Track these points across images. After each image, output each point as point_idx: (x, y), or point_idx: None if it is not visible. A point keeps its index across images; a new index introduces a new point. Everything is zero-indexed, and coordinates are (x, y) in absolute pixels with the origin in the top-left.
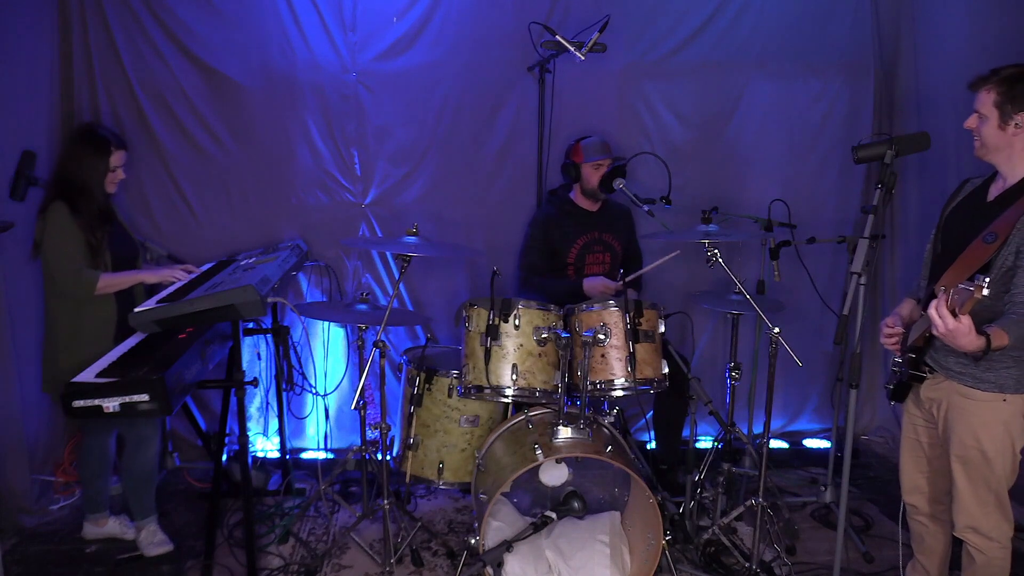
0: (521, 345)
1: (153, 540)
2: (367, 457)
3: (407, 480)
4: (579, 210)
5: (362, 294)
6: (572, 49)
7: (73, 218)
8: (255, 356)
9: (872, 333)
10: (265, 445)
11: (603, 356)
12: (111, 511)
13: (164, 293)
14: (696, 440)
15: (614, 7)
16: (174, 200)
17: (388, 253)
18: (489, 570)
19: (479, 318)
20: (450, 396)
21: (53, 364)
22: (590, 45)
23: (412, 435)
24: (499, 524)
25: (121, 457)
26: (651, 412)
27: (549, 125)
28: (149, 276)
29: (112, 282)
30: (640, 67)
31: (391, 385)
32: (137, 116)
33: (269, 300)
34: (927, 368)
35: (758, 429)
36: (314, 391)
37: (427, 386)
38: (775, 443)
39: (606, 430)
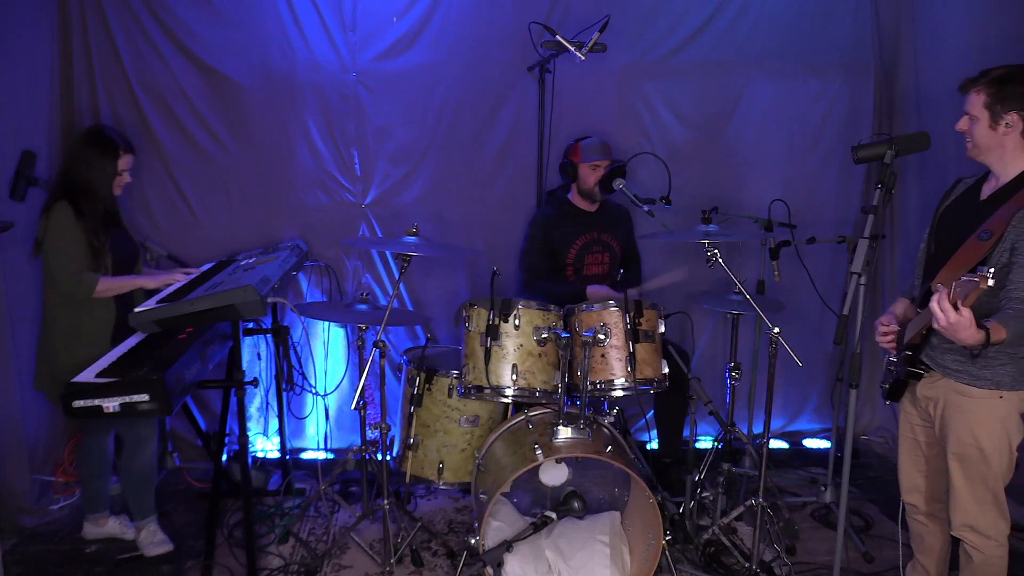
0: (521, 345)
1: (153, 540)
2: (367, 457)
3: (407, 480)
4: (577, 211)
5: (362, 294)
6: (572, 49)
7: (76, 219)
8: (255, 356)
9: (872, 333)
10: (265, 445)
11: (603, 356)
12: (111, 511)
13: (164, 293)
14: (696, 440)
15: (614, 7)
16: (174, 200)
17: (388, 253)
18: (489, 570)
19: (479, 318)
20: (450, 396)
21: (48, 362)
22: (590, 45)
23: (412, 435)
24: (499, 524)
25: (120, 457)
26: (651, 411)
27: (549, 125)
28: (148, 282)
29: (111, 286)
30: (640, 67)
31: (391, 385)
32: (137, 116)
33: (269, 300)
34: (923, 366)
35: (758, 429)
36: (314, 391)
37: (427, 386)
38: (775, 443)
39: (606, 430)
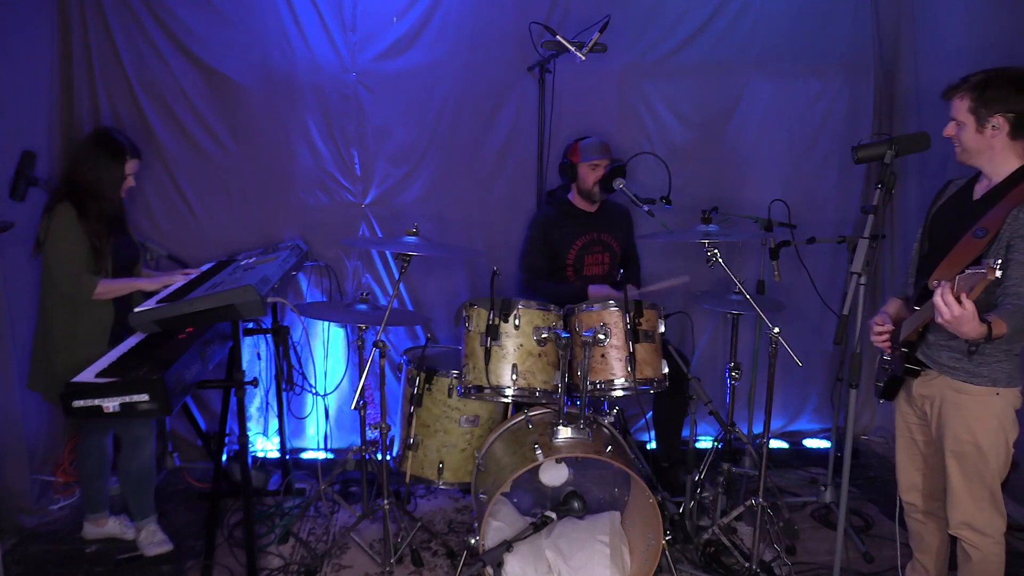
0: (521, 345)
1: (153, 540)
2: (367, 457)
3: (407, 480)
4: (577, 211)
5: (362, 294)
6: (572, 49)
7: (79, 221)
8: (255, 356)
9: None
10: (265, 445)
11: (603, 356)
12: (111, 511)
13: (164, 293)
14: (696, 440)
15: (614, 7)
16: (174, 200)
17: (388, 253)
18: (489, 570)
19: (479, 318)
20: (450, 396)
21: (44, 362)
22: (590, 45)
23: (412, 435)
24: (499, 524)
25: (118, 458)
26: (651, 412)
27: (549, 125)
28: (148, 284)
29: (111, 288)
30: (640, 67)
31: (391, 385)
32: (137, 116)
33: (269, 300)
34: (919, 364)
35: (758, 429)
36: (314, 391)
37: (427, 386)
38: (775, 443)
39: (606, 430)
